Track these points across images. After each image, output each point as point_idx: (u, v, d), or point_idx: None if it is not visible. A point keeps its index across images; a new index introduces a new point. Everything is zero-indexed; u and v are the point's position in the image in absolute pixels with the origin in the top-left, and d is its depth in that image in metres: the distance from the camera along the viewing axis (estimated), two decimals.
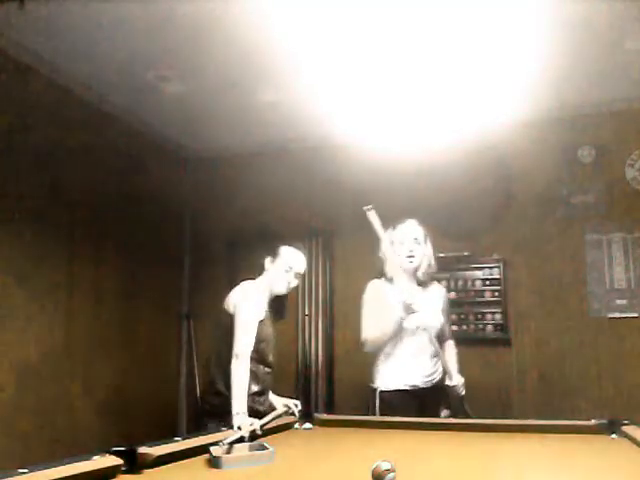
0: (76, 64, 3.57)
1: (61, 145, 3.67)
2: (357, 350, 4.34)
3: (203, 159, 5.00)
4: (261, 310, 2.65)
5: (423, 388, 2.81)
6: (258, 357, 2.62)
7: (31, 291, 3.43)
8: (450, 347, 3.01)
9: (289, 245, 2.77)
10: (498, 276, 4.20)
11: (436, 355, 2.86)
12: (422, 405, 2.77)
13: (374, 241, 2.86)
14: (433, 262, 2.93)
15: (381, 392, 2.84)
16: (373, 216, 2.83)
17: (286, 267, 2.71)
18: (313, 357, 4.55)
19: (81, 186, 3.82)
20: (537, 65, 3.52)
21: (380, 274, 2.93)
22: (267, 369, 2.71)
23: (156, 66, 3.62)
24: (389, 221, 2.95)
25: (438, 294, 3.00)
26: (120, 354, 4.08)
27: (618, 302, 3.90)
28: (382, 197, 4.41)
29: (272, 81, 3.77)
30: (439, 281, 3.12)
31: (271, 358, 2.74)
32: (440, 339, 2.91)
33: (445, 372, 2.88)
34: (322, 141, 4.57)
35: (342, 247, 4.60)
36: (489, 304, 4.20)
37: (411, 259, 2.86)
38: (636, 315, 3.85)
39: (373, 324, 2.87)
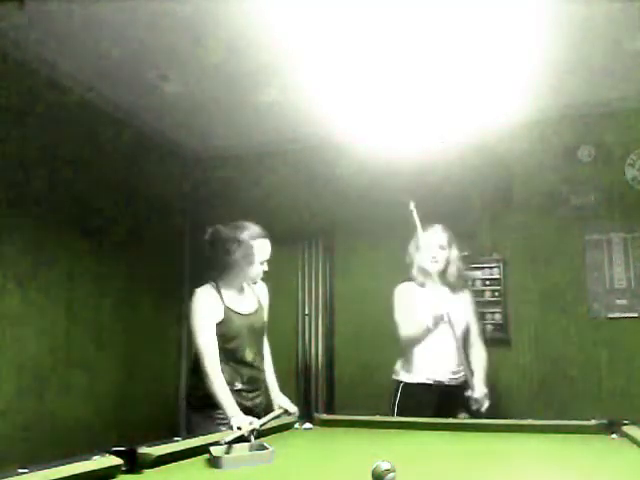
0: (76, 64, 3.57)
1: (61, 144, 3.67)
2: (357, 350, 4.38)
3: (203, 159, 5.00)
4: (215, 314, 2.57)
5: (446, 385, 2.90)
6: (235, 356, 2.58)
7: (31, 291, 3.43)
8: (477, 351, 3.06)
9: (253, 234, 2.66)
10: (498, 276, 4.19)
11: (461, 355, 2.95)
12: (441, 402, 2.84)
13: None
14: (461, 265, 3.08)
15: (404, 385, 2.94)
16: (415, 214, 2.99)
17: (258, 259, 2.66)
18: (313, 357, 4.55)
19: (81, 185, 3.82)
20: (537, 65, 3.52)
21: (409, 277, 3.09)
22: (248, 366, 2.64)
23: (156, 66, 3.62)
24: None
25: (464, 296, 3.11)
26: (120, 354, 4.08)
27: (618, 302, 3.90)
28: (382, 197, 4.43)
29: (272, 81, 3.77)
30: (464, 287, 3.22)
31: (249, 354, 2.64)
32: (466, 342, 3.01)
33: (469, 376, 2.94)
34: (322, 141, 4.57)
35: (342, 247, 4.61)
36: (489, 304, 4.20)
37: (435, 263, 2.99)
38: (636, 315, 3.85)
39: (407, 323, 2.97)
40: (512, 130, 4.16)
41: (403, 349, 3.03)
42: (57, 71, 3.61)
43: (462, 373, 2.92)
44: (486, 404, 2.83)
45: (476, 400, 2.82)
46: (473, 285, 4.26)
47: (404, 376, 2.99)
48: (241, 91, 3.93)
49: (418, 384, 2.92)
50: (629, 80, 3.75)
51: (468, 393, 2.84)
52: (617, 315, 3.89)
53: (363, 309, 4.30)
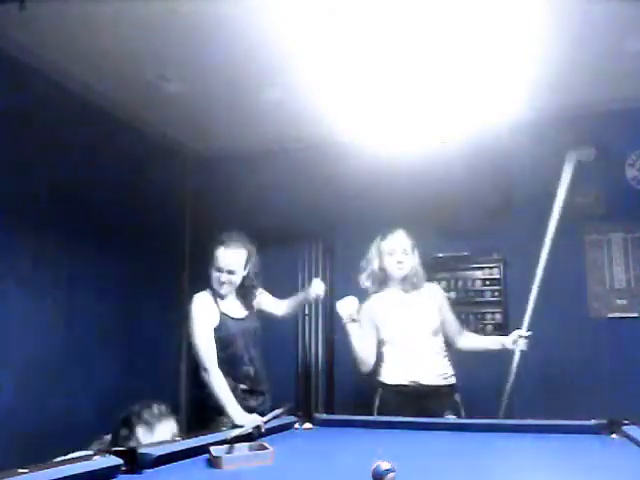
0: (76, 64, 3.57)
1: (61, 145, 3.67)
2: None
3: (203, 159, 4.99)
4: (211, 318, 2.71)
5: (427, 386, 2.81)
6: (235, 357, 2.69)
7: (31, 290, 3.43)
8: (470, 337, 3.10)
9: (222, 244, 2.83)
10: (498, 276, 4.20)
11: (446, 356, 2.91)
12: (422, 404, 2.77)
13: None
14: (421, 271, 3.01)
15: (384, 385, 2.87)
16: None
17: (216, 268, 2.80)
18: (313, 357, 4.55)
19: (81, 186, 3.81)
20: (537, 65, 3.52)
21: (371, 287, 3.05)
22: (248, 367, 2.74)
23: (156, 66, 3.62)
24: (382, 225, 3.02)
25: (430, 293, 3.03)
26: (120, 354, 4.08)
27: (618, 302, 3.90)
28: (382, 196, 4.43)
29: (273, 80, 3.77)
30: (438, 281, 3.18)
31: (247, 356, 2.76)
32: (450, 337, 2.98)
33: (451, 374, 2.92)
34: (322, 141, 4.56)
35: (342, 247, 4.60)
36: (489, 304, 4.20)
37: (400, 267, 2.94)
38: (636, 315, 3.85)
39: (360, 345, 2.92)
40: (512, 130, 4.15)
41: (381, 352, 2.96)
42: (57, 71, 3.61)
43: (446, 375, 2.86)
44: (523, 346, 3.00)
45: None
46: (473, 285, 4.27)
47: (384, 377, 2.90)
48: (242, 90, 3.93)
49: (397, 385, 2.83)
50: (629, 80, 3.75)
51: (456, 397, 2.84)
52: (617, 315, 3.89)
53: None
